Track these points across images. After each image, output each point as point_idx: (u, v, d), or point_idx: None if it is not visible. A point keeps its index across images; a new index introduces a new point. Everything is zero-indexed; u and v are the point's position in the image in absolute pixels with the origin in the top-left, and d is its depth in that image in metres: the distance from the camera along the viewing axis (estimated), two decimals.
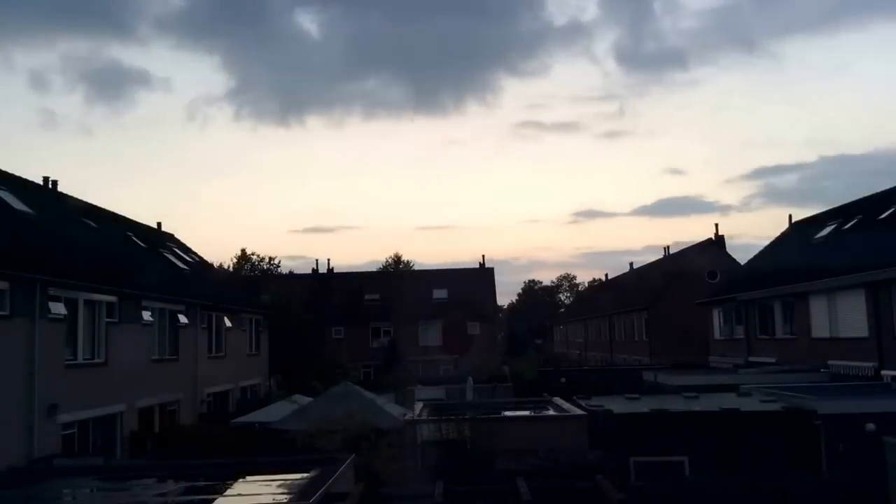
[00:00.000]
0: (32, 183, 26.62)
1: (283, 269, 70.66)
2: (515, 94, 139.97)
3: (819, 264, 27.58)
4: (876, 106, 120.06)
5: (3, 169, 24.44)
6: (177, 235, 38.47)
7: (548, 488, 13.15)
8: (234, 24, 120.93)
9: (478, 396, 26.33)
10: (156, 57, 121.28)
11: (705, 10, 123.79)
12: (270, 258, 71.72)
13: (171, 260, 32.09)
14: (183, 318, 26.63)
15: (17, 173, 25.32)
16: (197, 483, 10.54)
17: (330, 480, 9.06)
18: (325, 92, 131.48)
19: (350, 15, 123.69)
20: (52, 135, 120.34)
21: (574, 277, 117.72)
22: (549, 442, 15.63)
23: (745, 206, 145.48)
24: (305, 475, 9.68)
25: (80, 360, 20.18)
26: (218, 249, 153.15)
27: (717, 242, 49.34)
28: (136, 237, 30.44)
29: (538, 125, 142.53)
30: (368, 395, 20.50)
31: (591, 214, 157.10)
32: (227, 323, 31.27)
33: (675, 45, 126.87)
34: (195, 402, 27.44)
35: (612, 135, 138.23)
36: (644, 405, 18.51)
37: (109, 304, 21.58)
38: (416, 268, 78.71)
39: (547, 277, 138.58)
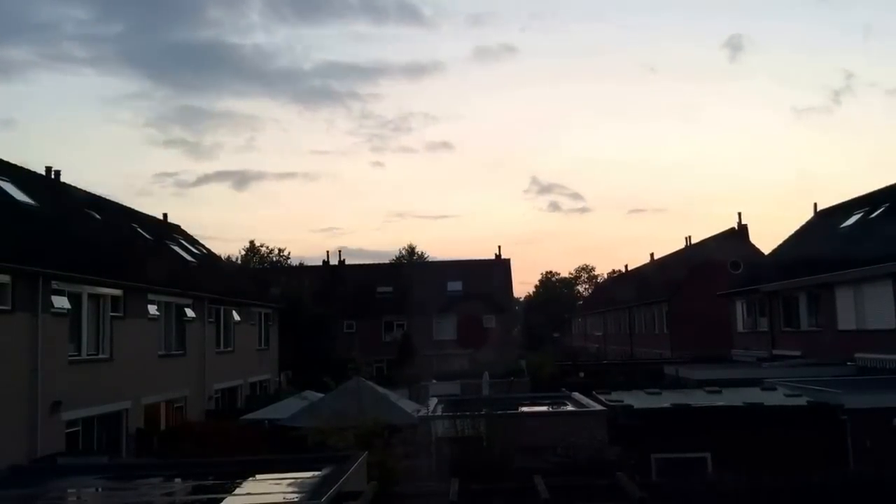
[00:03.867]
0: (35, 173, 26.40)
1: (293, 261, 70.14)
2: None
3: (845, 254, 26.95)
4: None
5: (5, 159, 24.12)
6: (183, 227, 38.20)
7: (566, 486, 12.82)
8: None
9: (494, 392, 25.96)
10: None
11: None
12: (280, 250, 71.40)
13: (177, 252, 31.81)
14: (190, 312, 26.36)
15: (19, 163, 25.11)
16: (205, 482, 10.44)
17: (342, 479, 8.83)
18: None
19: None
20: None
21: (593, 268, 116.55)
22: (567, 438, 15.22)
23: None
24: (317, 473, 9.51)
25: (84, 355, 19.94)
26: (225, 241, 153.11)
27: (741, 232, 48.44)
28: (141, 229, 30.10)
29: None
30: (381, 390, 20.30)
31: None
32: (236, 317, 31.03)
33: None
34: (203, 398, 27.23)
35: None
36: (665, 400, 18.29)
37: (114, 298, 21.33)
38: (429, 259, 78.06)
39: (565, 269, 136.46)
